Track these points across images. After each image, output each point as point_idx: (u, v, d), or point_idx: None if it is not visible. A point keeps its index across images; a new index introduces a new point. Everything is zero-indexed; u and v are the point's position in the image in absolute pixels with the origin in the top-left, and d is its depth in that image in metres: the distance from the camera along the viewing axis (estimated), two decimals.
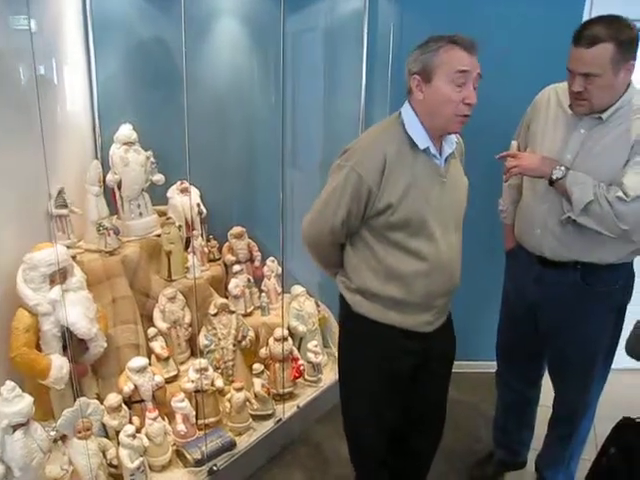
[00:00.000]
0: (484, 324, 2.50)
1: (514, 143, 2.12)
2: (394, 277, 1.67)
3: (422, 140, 1.62)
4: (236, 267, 3.00)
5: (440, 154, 1.68)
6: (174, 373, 2.60)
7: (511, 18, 2.77)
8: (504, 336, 2.32)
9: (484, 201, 2.28)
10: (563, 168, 1.82)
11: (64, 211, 2.47)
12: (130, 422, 2.24)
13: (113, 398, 2.24)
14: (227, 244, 3.09)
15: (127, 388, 2.31)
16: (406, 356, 1.77)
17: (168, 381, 2.53)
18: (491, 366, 2.49)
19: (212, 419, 2.47)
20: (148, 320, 2.66)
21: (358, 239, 1.72)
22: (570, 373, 2.10)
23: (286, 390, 2.73)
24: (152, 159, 2.76)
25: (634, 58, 1.74)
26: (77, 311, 2.17)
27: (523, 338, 2.19)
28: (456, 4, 2.73)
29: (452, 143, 1.71)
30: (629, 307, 2.05)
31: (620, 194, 1.73)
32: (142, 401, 2.36)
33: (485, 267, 2.53)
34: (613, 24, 1.68)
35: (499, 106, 2.43)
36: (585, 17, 2.79)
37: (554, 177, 1.83)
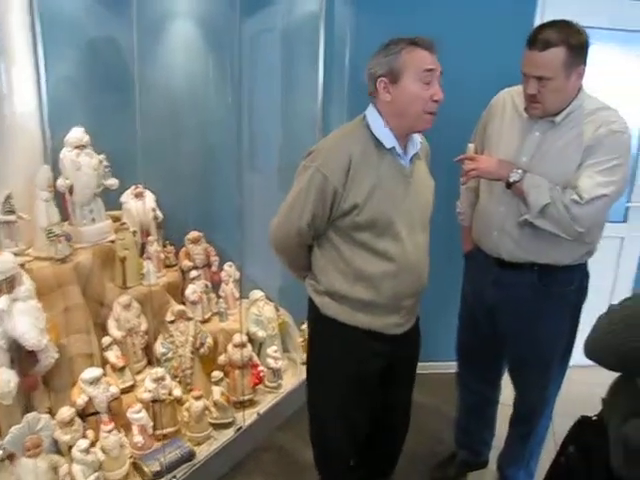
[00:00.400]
0: (444, 325, 2.51)
1: (471, 146, 2.14)
2: (362, 278, 1.69)
3: (388, 140, 1.65)
4: (193, 273, 2.94)
5: (405, 154, 1.71)
6: (130, 383, 2.52)
7: (466, 22, 2.80)
8: (463, 338, 2.35)
9: (443, 203, 2.29)
10: (520, 171, 1.85)
11: (12, 217, 2.37)
12: (84, 436, 2.17)
13: (65, 412, 2.15)
14: (184, 249, 3.02)
15: (80, 400, 2.23)
16: (375, 358, 1.79)
17: (124, 391, 2.45)
18: (451, 367, 2.51)
19: (170, 429, 2.41)
20: (102, 329, 2.57)
21: (325, 241, 1.73)
22: (529, 373, 2.13)
23: (246, 397, 2.69)
24: (105, 163, 2.67)
25: (585, 63, 1.79)
26: (26, 321, 2.08)
27: (482, 339, 2.21)
28: (411, 7, 2.75)
29: (416, 143, 1.75)
30: (584, 307, 2.09)
31: (575, 197, 1.77)
32: (97, 413, 2.27)
33: (445, 268, 2.54)
34: (565, 29, 1.73)
35: (456, 109, 2.44)
36: (537, 21, 2.84)
37: (511, 180, 1.85)
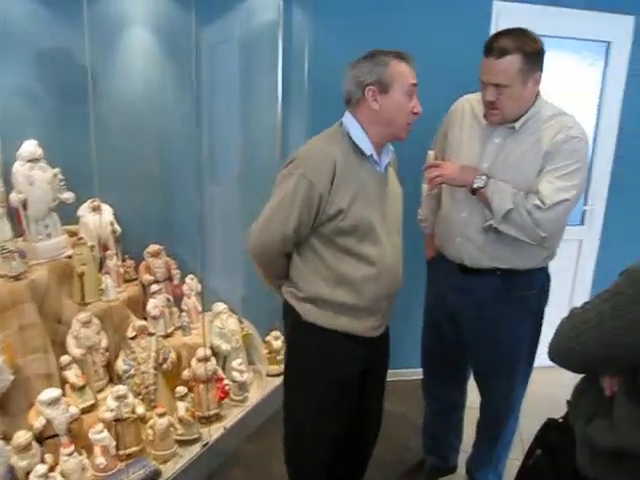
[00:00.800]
0: (409, 332, 2.51)
1: (431, 153, 2.16)
2: (344, 283, 1.72)
3: (367, 147, 1.70)
4: (154, 287, 2.88)
5: (380, 162, 1.77)
6: (91, 402, 2.44)
7: (423, 32, 2.84)
8: (427, 344, 2.35)
9: (407, 211, 2.31)
10: (484, 177, 1.87)
11: None
12: (42, 461, 2.09)
13: (22, 436, 2.06)
14: (144, 263, 2.96)
15: (38, 423, 2.14)
16: (354, 362, 1.82)
17: (85, 411, 2.37)
18: (417, 373, 2.51)
19: (134, 448, 2.35)
20: (61, 347, 2.48)
21: (306, 248, 1.74)
22: (494, 377, 2.15)
23: (212, 412, 2.64)
24: (60, 176, 2.60)
25: (541, 69, 1.83)
26: None
27: (446, 345, 2.22)
28: (369, 16, 2.77)
29: (389, 152, 1.80)
30: (546, 309, 2.12)
31: (537, 202, 1.80)
32: (56, 436, 2.19)
33: (410, 276, 2.55)
34: (520, 37, 1.77)
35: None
36: (492, 30, 2.90)
37: (475, 186, 1.88)
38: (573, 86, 3.09)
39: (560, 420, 1.35)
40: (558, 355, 1.17)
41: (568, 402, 1.31)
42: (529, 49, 1.76)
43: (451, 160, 2.03)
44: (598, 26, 3.03)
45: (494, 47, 1.77)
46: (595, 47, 3.13)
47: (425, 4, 2.83)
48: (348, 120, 1.73)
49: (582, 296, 3.45)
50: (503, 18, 2.89)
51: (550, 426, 1.36)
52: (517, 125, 1.87)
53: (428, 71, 2.75)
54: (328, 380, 1.81)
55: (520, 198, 1.83)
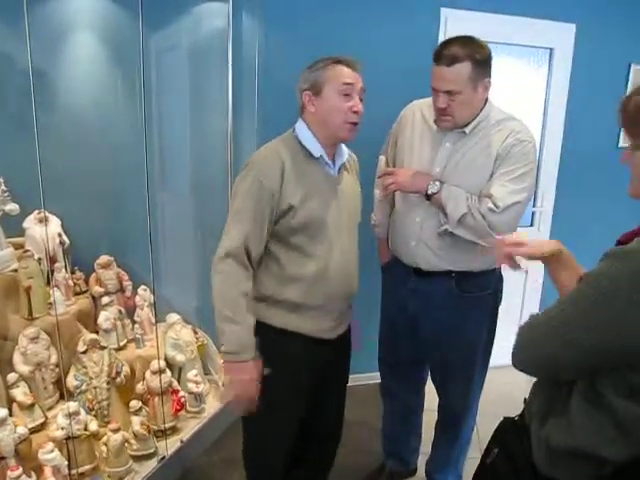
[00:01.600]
0: (365, 336, 2.52)
1: (382, 158, 2.18)
2: (294, 280, 1.75)
3: (315, 149, 1.76)
4: (105, 299, 2.81)
5: (333, 164, 1.81)
6: (41, 421, 2.35)
7: (372, 38, 2.85)
8: (385, 348, 2.36)
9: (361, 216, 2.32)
10: (438, 183, 1.90)
11: None
12: None
13: None
14: (94, 275, 2.89)
15: None
16: (308, 363, 1.84)
17: (34, 431, 2.28)
18: (373, 377, 2.51)
19: (87, 467, 2.26)
20: (7, 365, 2.39)
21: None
22: (452, 378, 2.18)
23: (168, 425, 2.58)
24: (3, 187, 2.51)
25: (489, 75, 1.87)
26: None
27: (404, 349, 2.24)
28: (318, 23, 2.77)
29: (343, 154, 1.85)
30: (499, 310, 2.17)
31: (491, 205, 1.84)
32: (2, 459, 2.08)
33: (364, 280, 2.56)
34: (469, 44, 1.80)
35: (367, 122, 2.49)
36: (441, 37, 2.94)
37: (429, 192, 1.91)
38: (520, 90, 3.18)
39: (516, 418, 1.37)
40: (520, 361, 1.18)
41: (525, 401, 1.33)
42: (478, 56, 1.80)
43: (403, 165, 2.06)
44: (542, 33, 3.11)
45: (444, 55, 1.80)
46: (540, 53, 3.22)
47: (374, 11, 2.85)
48: (299, 125, 1.80)
49: (534, 296, 3.53)
50: (451, 24, 2.94)
51: (506, 425, 1.37)
52: (467, 130, 1.91)
53: (378, 76, 2.81)
54: (282, 382, 1.80)
55: (474, 202, 1.86)
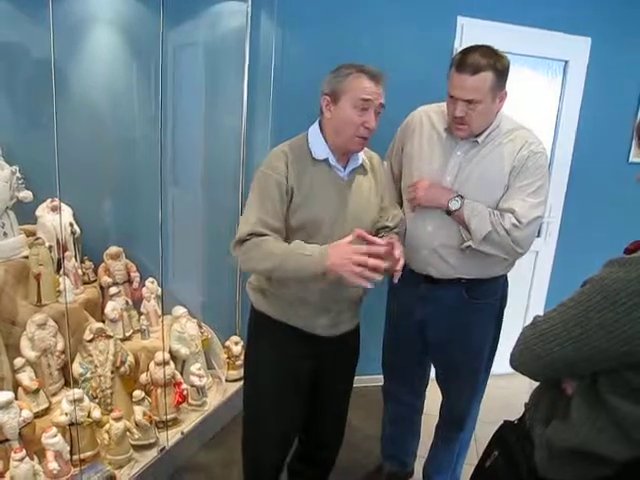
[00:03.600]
0: (364, 339, 2.52)
1: (385, 163, 2.20)
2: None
3: (320, 152, 1.77)
4: (113, 289, 2.84)
5: (345, 167, 1.81)
6: (45, 406, 2.39)
7: (389, 42, 2.88)
8: (391, 353, 2.36)
9: None
10: (458, 199, 1.91)
11: None
12: None
13: None
14: (103, 265, 2.92)
15: None
16: (304, 357, 1.86)
17: (38, 415, 2.32)
18: (374, 380, 2.52)
19: (89, 453, 2.30)
20: (15, 350, 2.43)
21: None
22: (459, 381, 2.19)
23: (169, 416, 2.61)
24: (18, 174, 2.55)
25: (505, 86, 1.86)
26: None
27: (411, 354, 2.25)
28: (335, 25, 2.79)
29: (357, 159, 1.83)
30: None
31: (514, 221, 1.85)
32: (6, 441, 2.12)
33: None
34: (491, 54, 1.79)
35: (382, 127, 2.51)
36: (457, 44, 2.96)
37: (452, 209, 1.92)
38: (534, 101, 3.19)
39: (516, 422, 1.39)
40: (522, 363, 1.20)
41: (526, 405, 1.35)
42: (499, 66, 1.79)
43: (412, 172, 2.05)
44: (557, 45, 3.13)
45: (467, 63, 1.78)
46: (554, 65, 3.23)
47: (391, 16, 2.87)
48: (313, 126, 1.81)
49: (538, 306, 3.55)
50: (467, 33, 2.96)
51: (507, 428, 1.39)
52: (480, 139, 1.91)
53: (393, 82, 2.82)
54: (278, 374, 1.86)
55: (496, 218, 1.87)
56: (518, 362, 1.22)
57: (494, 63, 1.79)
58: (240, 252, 1.72)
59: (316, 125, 1.81)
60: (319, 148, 1.77)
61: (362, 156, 1.86)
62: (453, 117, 1.89)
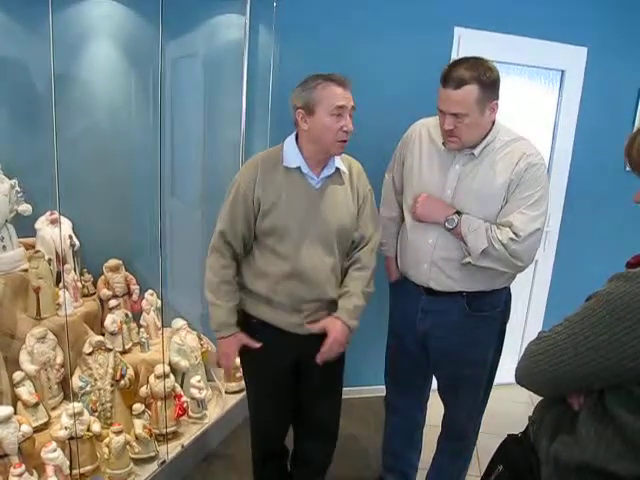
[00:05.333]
0: (362, 350, 2.53)
1: (387, 177, 2.21)
2: (262, 275, 1.93)
3: (292, 160, 1.88)
4: (112, 302, 2.83)
5: (317, 175, 1.90)
6: (44, 420, 2.37)
7: (386, 53, 2.88)
8: (394, 365, 2.35)
9: None
10: (455, 217, 1.91)
11: None
12: None
13: None
14: (102, 277, 2.91)
15: None
16: (281, 354, 1.99)
17: (37, 430, 2.30)
18: (375, 390, 2.51)
19: (89, 467, 2.28)
20: (14, 364, 2.41)
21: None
22: (462, 393, 2.18)
23: (169, 429, 2.60)
24: (17, 188, 2.54)
25: (497, 97, 1.86)
26: None
27: (413, 366, 2.24)
28: (333, 37, 2.81)
29: (331, 167, 1.92)
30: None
31: (512, 235, 1.85)
32: (6, 456, 2.10)
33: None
34: (476, 66, 1.79)
35: (376, 137, 2.51)
36: (454, 54, 2.97)
37: (448, 227, 1.93)
38: (531, 111, 3.20)
39: (519, 435, 1.38)
40: (528, 378, 1.20)
41: (530, 418, 1.34)
42: (485, 79, 1.79)
43: (413, 186, 2.06)
44: (554, 55, 3.14)
45: (451, 77, 1.79)
46: (551, 75, 3.25)
47: (388, 27, 2.88)
48: (289, 137, 1.93)
49: (537, 316, 3.55)
50: (464, 43, 2.97)
51: (511, 442, 1.38)
52: (476, 152, 1.91)
53: (390, 92, 2.85)
54: (261, 367, 2.03)
55: (493, 233, 1.87)
56: (523, 377, 1.22)
57: (478, 75, 1.78)
58: (207, 261, 2.00)
59: (293, 137, 1.92)
60: (291, 157, 1.88)
61: (339, 163, 1.94)
62: (443, 130, 1.91)
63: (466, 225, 1.89)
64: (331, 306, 1.98)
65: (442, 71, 1.86)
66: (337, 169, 1.93)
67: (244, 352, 2.03)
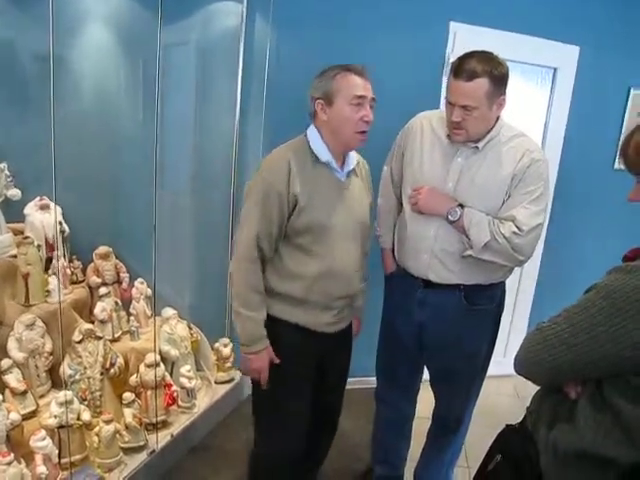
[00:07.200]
0: (357, 341, 2.53)
1: (386, 169, 2.21)
2: (295, 277, 1.84)
3: (323, 154, 1.82)
4: (102, 289, 2.81)
5: (342, 169, 1.87)
6: (32, 408, 2.35)
7: (381, 46, 2.88)
8: (385, 357, 2.35)
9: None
10: (458, 210, 1.92)
11: None
12: None
13: None
14: (92, 265, 2.88)
15: None
16: (307, 353, 1.93)
17: (25, 418, 2.27)
18: (365, 382, 2.52)
19: (78, 456, 2.26)
20: (1, 351, 2.38)
21: None
22: (454, 385, 2.19)
23: (159, 419, 2.58)
24: (7, 172, 2.51)
25: (505, 92, 1.88)
26: None
27: (406, 358, 2.24)
28: (329, 26, 2.79)
29: (352, 161, 1.91)
30: None
31: (514, 229, 1.86)
32: None
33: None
34: (488, 60, 1.81)
35: (373, 132, 2.51)
36: (449, 49, 2.98)
37: (450, 219, 1.93)
38: (523, 107, 3.22)
39: (517, 426, 1.41)
40: (526, 367, 1.22)
41: (527, 409, 1.37)
42: (496, 73, 1.80)
43: (415, 177, 2.05)
44: (547, 53, 3.17)
45: (463, 69, 1.80)
46: (544, 72, 3.28)
47: (384, 21, 2.88)
48: (311, 130, 1.86)
49: (523, 311, 3.60)
50: (460, 39, 2.98)
51: (509, 432, 1.41)
52: (480, 145, 1.92)
53: (386, 86, 2.83)
54: (286, 371, 1.89)
55: (496, 227, 1.88)
56: (522, 367, 1.24)
57: (490, 70, 1.80)
58: (235, 271, 1.84)
59: (314, 129, 1.85)
60: (322, 151, 1.82)
61: (355, 156, 1.93)
62: (450, 122, 1.91)
63: (469, 218, 1.90)
64: (351, 302, 2.00)
65: (453, 63, 1.87)
66: None
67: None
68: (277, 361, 1.87)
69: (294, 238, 1.82)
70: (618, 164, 3.49)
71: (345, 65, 1.77)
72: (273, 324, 1.87)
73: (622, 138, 1.25)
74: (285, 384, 1.93)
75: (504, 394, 3.34)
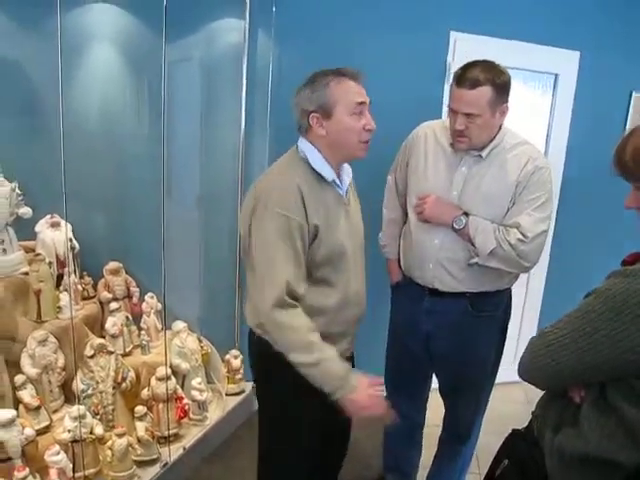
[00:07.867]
0: (365, 350, 2.53)
1: (390, 178, 2.23)
2: (318, 313, 1.65)
3: (328, 173, 1.67)
4: (113, 304, 2.84)
5: (342, 184, 1.74)
6: (46, 423, 2.37)
7: (382, 56, 2.91)
8: (394, 366, 2.36)
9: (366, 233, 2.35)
10: (463, 218, 1.94)
11: None
12: None
13: None
14: (102, 280, 2.92)
15: None
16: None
17: (39, 433, 2.30)
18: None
19: (92, 470, 2.27)
20: (15, 367, 2.41)
21: None
22: (464, 394, 2.20)
23: (171, 431, 2.61)
24: (17, 191, 2.54)
25: (507, 101, 1.90)
26: None
27: (414, 367, 2.26)
28: (332, 40, 2.83)
29: (348, 172, 1.79)
30: None
31: (519, 236, 1.88)
32: (9, 459, 2.09)
33: (370, 294, 2.59)
34: (490, 69, 1.84)
35: (372, 141, 2.54)
36: (449, 58, 3.01)
37: (456, 227, 1.95)
38: (525, 114, 3.24)
39: (523, 430, 1.42)
40: (529, 371, 1.23)
41: (533, 413, 1.38)
42: (499, 81, 1.83)
43: (419, 186, 2.08)
44: (548, 59, 3.19)
45: (466, 78, 1.82)
46: (545, 78, 3.30)
47: (385, 30, 2.91)
48: (305, 146, 1.68)
49: (532, 317, 3.59)
50: (460, 48, 3.01)
51: (515, 437, 1.42)
52: (484, 154, 1.94)
53: (386, 94, 2.86)
54: (306, 402, 1.69)
55: (501, 234, 1.90)
56: (526, 372, 1.26)
57: (493, 78, 1.82)
58: (276, 322, 1.57)
59: (308, 144, 1.67)
60: (325, 170, 1.67)
61: (349, 167, 1.79)
62: (453, 130, 1.93)
63: (474, 226, 1.92)
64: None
65: (456, 72, 1.89)
66: None
67: (281, 396, 1.76)
68: (377, 382, 1.67)
69: (314, 271, 1.64)
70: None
71: (336, 69, 1.62)
72: (288, 363, 1.60)
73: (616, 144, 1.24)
74: (304, 413, 1.75)
75: (515, 401, 3.33)
